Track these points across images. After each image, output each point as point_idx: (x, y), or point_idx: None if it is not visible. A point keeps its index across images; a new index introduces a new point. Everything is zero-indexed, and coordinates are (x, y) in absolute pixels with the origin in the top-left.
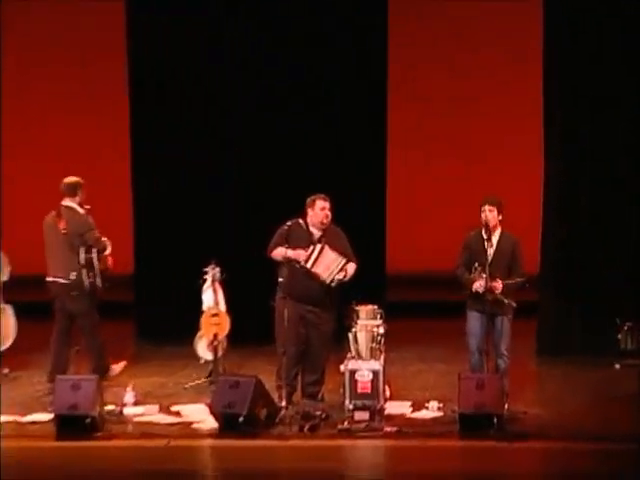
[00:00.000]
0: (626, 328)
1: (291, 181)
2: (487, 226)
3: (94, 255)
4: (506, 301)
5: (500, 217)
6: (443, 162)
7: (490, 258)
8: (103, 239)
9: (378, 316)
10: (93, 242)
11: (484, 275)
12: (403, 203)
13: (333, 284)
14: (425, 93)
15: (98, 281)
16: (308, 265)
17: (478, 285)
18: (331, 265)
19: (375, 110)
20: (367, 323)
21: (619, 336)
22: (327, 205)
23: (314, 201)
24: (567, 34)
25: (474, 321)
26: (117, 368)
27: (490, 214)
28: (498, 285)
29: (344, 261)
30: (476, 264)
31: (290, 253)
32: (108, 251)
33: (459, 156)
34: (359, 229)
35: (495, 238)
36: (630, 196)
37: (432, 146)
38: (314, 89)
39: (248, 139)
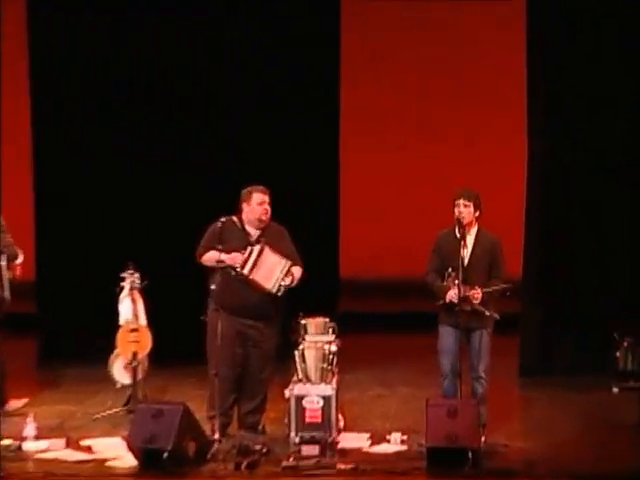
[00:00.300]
0: (626, 345)
1: (222, 175)
2: (461, 224)
3: (3, 263)
4: (487, 313)
5: (477, 213)
6: (406, 149)
7: (465, 261)
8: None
9: (330, 330)
10: (4, 248)
11: (458, 282)
12: (359, 197)
13: (280, 293)
14: (380, 70)
15: (7, 294)
16: (245, 271)
17: (452, 294)
18: (274, 270)
19: (325, 93)
20: (317, 339)
21: (617, 354)
22: (266, 199)
23: (250, 194)
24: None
25: (447, 337)
26: (17, 404)
27: (465, 210)
28: (477, 293)
29: (288, 263)
30: (449, 269)
31: (224, 257)
32: (20, 260)
33: (426, 142)
34: (307, 227)
35: (471, 238)
36: (626, 190)
37: (392, 131)
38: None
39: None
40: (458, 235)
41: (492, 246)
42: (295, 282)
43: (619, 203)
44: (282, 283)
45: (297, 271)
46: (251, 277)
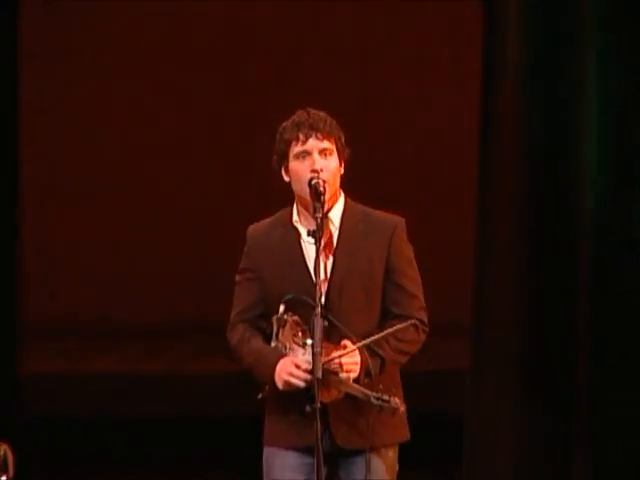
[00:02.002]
0: None
1: None
2: (319, 195)
3: None
4: (377, 399)
5: (342, 170)
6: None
7: (325, 285)
8: None
9: None
10: None
11: (309, 343)
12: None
13: None
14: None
15: None
16: None
17: (293, 371)
18: None
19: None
20: None
21: None
22: None
23: None
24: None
25: (289, 474)
26: None
27: (325, 162)
28: (352, 363)
29: None
30: (281, 307)
31: None
32: None
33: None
34: None
35: (334, 228)
36: None
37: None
38: None
39: None
40: (304, 228)
41: (387, 234)
42: None
43: None
44: None
45: None
46: None
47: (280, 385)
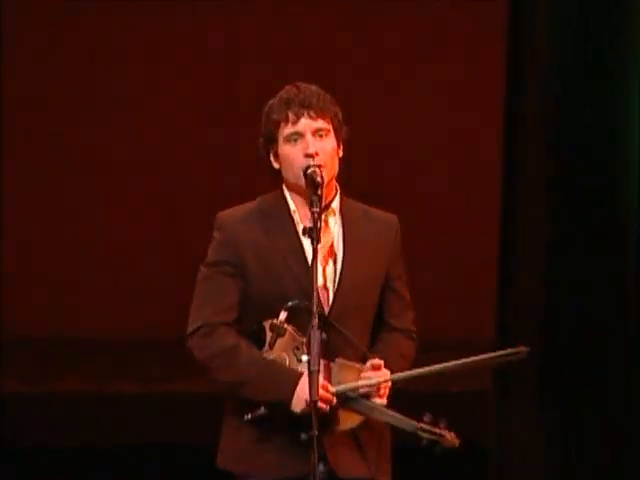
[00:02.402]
0: None
1: None
2: (316, 187)
3: None
4: (423, 432)
5: (341, 153)
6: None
7: (331, 293)
8: None
9: None
10: None
11: (303, 359)
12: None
13: None
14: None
15: None
16: None
17: (319, 396)
18: None
19: None
20: None
21: None
22: None
23: None
24: None
25: None
26: None
27: (319, 144)
28: (386, 387)
29: None
30: (282, 316)
31: None
32: None
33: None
34: None
35: (334, 222)
36: None
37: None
38: None
39: None
40: (301, 221)
41: (389, 240)
42: None
43: None
44: None
45: None
46: None
47: (299, 408)
